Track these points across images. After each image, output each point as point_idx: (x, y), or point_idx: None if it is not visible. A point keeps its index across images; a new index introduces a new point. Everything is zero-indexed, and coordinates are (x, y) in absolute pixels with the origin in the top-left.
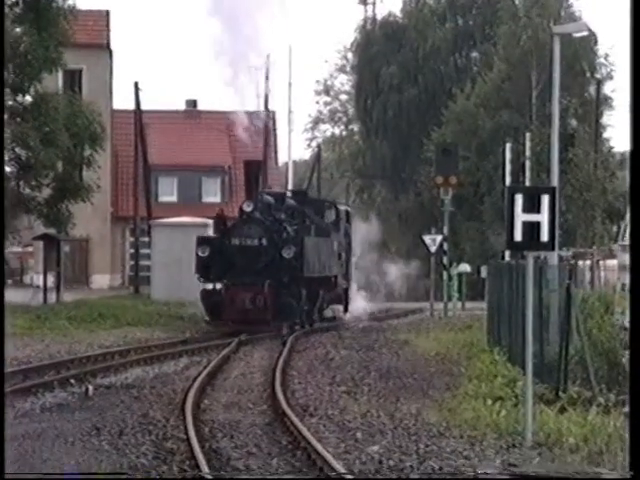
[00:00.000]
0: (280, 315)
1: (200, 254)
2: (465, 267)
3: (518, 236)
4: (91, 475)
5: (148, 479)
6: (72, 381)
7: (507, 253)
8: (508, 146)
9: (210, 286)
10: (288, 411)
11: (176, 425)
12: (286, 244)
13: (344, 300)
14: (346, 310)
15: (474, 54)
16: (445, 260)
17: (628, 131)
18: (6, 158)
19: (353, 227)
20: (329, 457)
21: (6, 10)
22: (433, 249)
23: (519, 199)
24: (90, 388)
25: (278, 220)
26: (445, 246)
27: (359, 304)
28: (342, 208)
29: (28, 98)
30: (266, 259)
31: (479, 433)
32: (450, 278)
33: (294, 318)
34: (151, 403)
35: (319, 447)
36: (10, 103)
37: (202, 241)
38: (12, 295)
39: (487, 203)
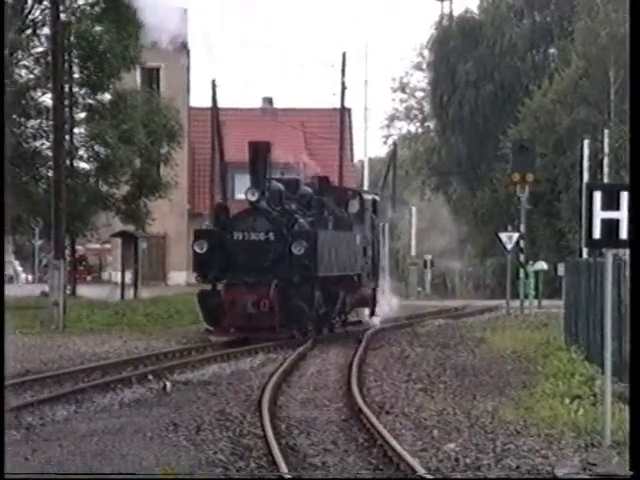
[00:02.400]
0: (289, 320)
1: (197, 250)
2: (542, 265)
3: (597, 234)
4: (95, 475)
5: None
6: (150, 377)
7: (585, 251)
8: (586, 143)
9: (209, 287)
10: (364, 408)
11: (253, 422)
12: (297, 238)
13: (371, 302)
14: (372, 313)
15: (551, 50)
16: (522, 258)
17: None
18: (85, 155)
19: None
20: (406, 454)
21: (87, 9)
22: (509, 247)
23: (598, 196)
24: (168, 384)
25: (289, 211)
26: (522, 244)
27: (387, 306)
28: (368, 197)
29: (107, 96)
30: (273, 256)
31: (557, 432)
32: (527, 276)
33: (305, 324)
34: (228, 400)
35: (396, 444)
36: (89, 101)
37: (200, 235)
38: (90, 291)
39: (564, 200)
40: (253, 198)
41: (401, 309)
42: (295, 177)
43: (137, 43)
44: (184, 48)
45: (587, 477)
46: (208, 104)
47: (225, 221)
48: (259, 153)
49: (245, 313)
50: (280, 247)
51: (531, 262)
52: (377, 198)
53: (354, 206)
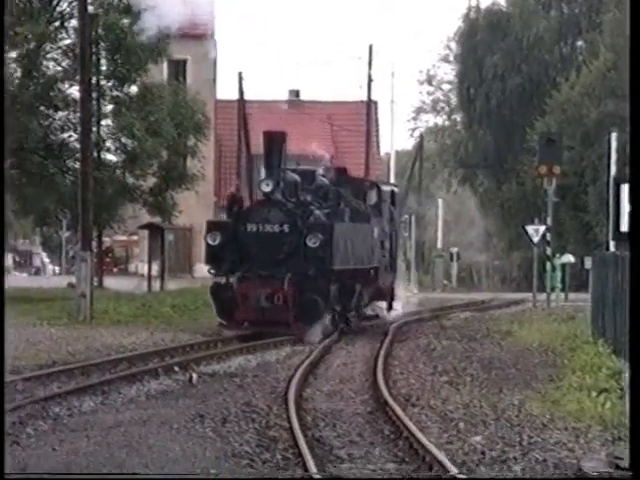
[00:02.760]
0: (303, 315)
1: (210, 242)
2: (569, 258)
3: (624, 226)
4: (96, 475)
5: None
6: (176, 369)
7: (612, 244)
8: (614, 135)
9: (223, 280)
10: (390, 400)
11: (279, 413)
12: (312, 231)
13: (388, 296)
14: (390, 307)
15: (579, 42)
16: (548, 251)
17: None
18: (112, 147)
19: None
20: (432, 447)
21: (114, 1)
22: (536, 240)
23: (625, 189)
24: (194, 376)
25: (304, 202)
26: (548, 237)
27: (403, 299)
28: (386, 188)
29: (134, 88)
30: (288, 248)
31: (583, 425)
32: (553, 269)
33: (320, 318)
34: (254, 391)
35: (421, 437)
36: (116, 94)
37: (212, 227)
38: (117, 283)
39: (591, 193)
40: (267, 189)
41: (427, 301)
42: (311, 168)
43: (164, 36)
44: (212, 40)
45: (587, 477)
46: (235, 96)
47: (239, 212)
48: (274, 143)
49: (258, 307)
50: (295, 239)
51: (558, 255)
52: (396, 189)
53: (372, 198)
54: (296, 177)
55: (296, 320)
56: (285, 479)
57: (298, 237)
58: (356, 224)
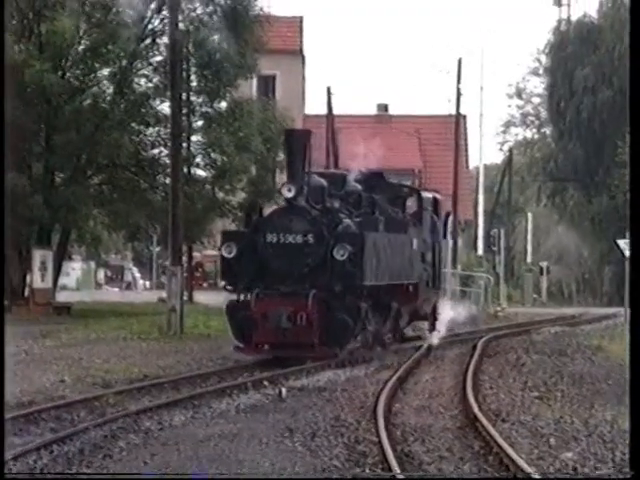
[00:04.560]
0: (330, 337)
1: (225, 254)
2: None
3: None
4: (96, 475)
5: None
6: (265, 383)
7: None
8: None
9: (240, 297)
10: (480, 416)
11: (368, 428)
12: (340, 241)
13: (431, 315)
14: (433, 328)
15: None
16: None
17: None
18: (202, 163)
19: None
20: (522, 463)
21: (205, 18)
22: (628, 253)
23: None
24: (283, 390)
25: (331, 209)
26: None
27: (447, 316)
28: (427, 196)
29: (224, 104)
30: (312, 261)
31: None
32: None
33: (349, 341)
34: (343, 406)
35: (512, 452)
36: (206, 109)
37: (228, 237)
38: (207, 298)
39: None
40: (289, 195)
41: (520, 316)
42: (342, 172)
43: (254, 51)
44: (300, 56)
45: (587, 477)
46: (323, 111)
47: (257, 221)
48: (296, 143)
49: (279, 328)
50: (320, 251)
51: None
52: (438, 196)
53: (411, 205)
54: (323, 181)
55: (322, 343)
56: (289, 479)
57: (324, 248)
58: (392, 234)
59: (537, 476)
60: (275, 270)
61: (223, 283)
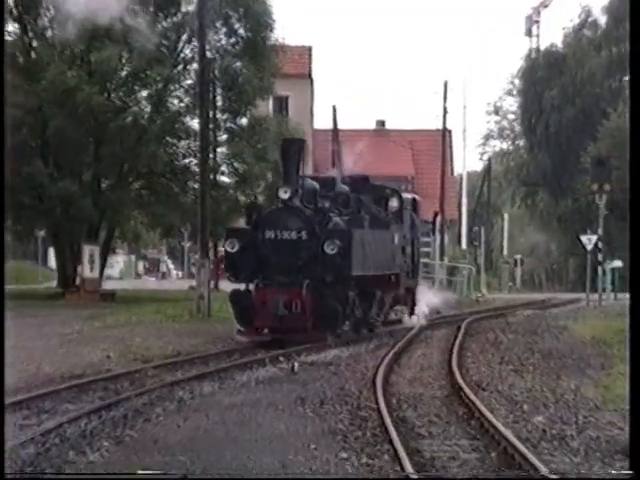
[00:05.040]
0: (322, 322)
1: (228, 249)
2: (617, 263)
3: None
4: (94, 475)
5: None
6: (281, 359)
7: None
8: None
9: (242, 287)
10: (463, 386)
11: (368, 396)
12: (330, 237)
13: (410, 301)
14: (412, 313)
15: (626, 78)
16: (600, 257)
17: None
18: (226, 171)
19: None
20: (499, 425)
21: (229, 48)
22: (589, 247)
23: None
24: (296, 365)
25: (322, 209)
26: (600, 245)
27: (424, 303)
28: (407, 196)
29: (244, 121)
30: (306, 255)
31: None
32: (604, 272)
33: (339, 325)
34: (347, 378)
35: (491, 417)
36: (230, 125)
37: (231, 234)
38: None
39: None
40: (285, 196)
41: (498, 301)
42: (331, 175)
43: (270, 76)
44: (309, 79)
45: (587, 477)
46: (329, 126)
47: (257, 219)
48: (292, 150)
49: (276, 314)
50: (313, 246)
51: (608, 260)
52: (417, 198)
53: (393, 205)
54: (315, 184)
55: (314, 327)
56: (289, 479)
57: (316, 244)
58: (376, 231)
59: (537, 476)
60: (273, 263)
61: (227, 274)
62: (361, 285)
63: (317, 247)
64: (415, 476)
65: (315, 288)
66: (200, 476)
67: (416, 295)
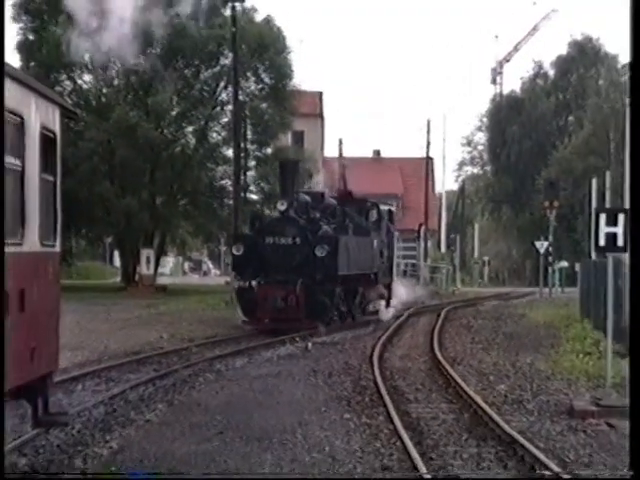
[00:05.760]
0: (313, 314)
1: (235, 252)
2: (564, 263)
3: (602, 242)
4: (92, 475)
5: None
6: (297, 339)
7: (593, 254)
8: (594, 181)
9: (246, 284)
10: (442, 361)
11: (367, 369)
12: (320, 242)
13: (386, 296)
14: (388, 305)
15: (570, 118)
16: (550, 259)
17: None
18: (254, 190)
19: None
20: (471, 392)
21: (256, 92)
22: (542, 251)
23: (602, 217)
24: (309, 344)
25: (314, 219)
26: (550, 249)
27: (400, 297)
28: (384, 208)
29: (269, 150)
30: (299, 257)
31: (574, 377)
32: (553, 271)
33: (327, 316)
34: (350, 355)
35: (464, 385)
36: (257, 154)
37: (237, 239)
38: None
39: (579, 219)
40: (282, 208)
41: (470, 294)
42: (321, 191)
43: (289, 114)
44: (320, 117)
45: (587, 477)
46: (336, 154)
47: (259, 227)
48: (287, 170)
49: (275, 307)
50: (305, 250)
51: (556, 261)
52: (393, 209)
53: (373, 215)
54: (307, 198)
55: (307, 317)
56: (290, 479)
57: (308, 248)
58: (358, 237)
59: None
60: (272, 264)
61: (234, 274)
62: (346, 282)
63: (309, 251)
64: (428, 476)
65: (307, 285)
66: (200, 476)
67: (392, 290)
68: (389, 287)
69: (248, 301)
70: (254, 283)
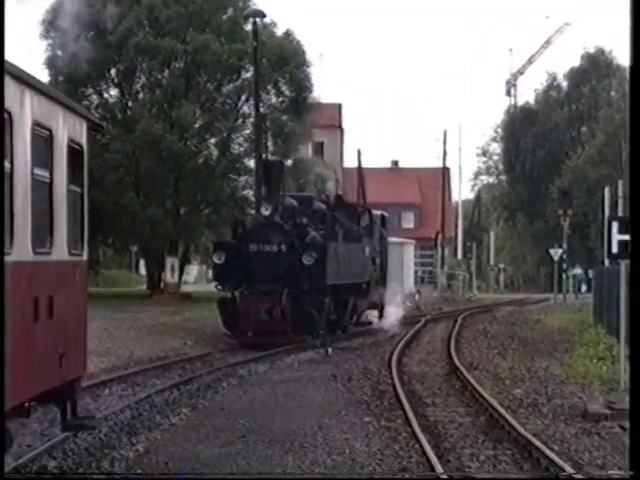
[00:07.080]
0: (300, 326)
1: (216, 260)
2: (578, 270)
3: (614, 249)
4: (94, 475)
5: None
6: (318, 345)
7: (607, 261)
8: (607, 189)
9: (228, 294)
10: (459, 366)
11: (385, 374)
12: (307, 250)
13: (379, 305)
14: (381, 315)
15: (583, 128)
16: (564, 266)
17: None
18: None
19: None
20: (487, 396)
21: (277, 105)
22: (556, 258)
23: (615, 225)
24: (329, 349)
25: (300, 224)
26: (564, 256)
27: (393, 309)
28: (377, 213)
29: (290, 161)
30: (285, 266)
31: (588, 381)
32: (567, 278)
33: (315, 329)
34: (369, 360)
35: (480, 390)
36: None
37: (218, 247)
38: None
39: (593, 227)
40: (266, 212)
41: (486, 300)
42: (309, 195)
43: (309, 126)
44: (340, 129)
45: (587, 477)
46: (355, 164)
47: (241, 233)
48: (272, 171)
49: (259, 320)
50: (292, 258)
51: (570, 268)
52: (385, 214)
53: (364, 221)
54: (294, 202)
55: (293, 331)
56: (291, 479)
57: (295, 256)
58: (349, 244)
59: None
60: (256, 273)
61: (215, 283)
62: (335, 292)
63: (295, 259)
64: (445, 476)
65: (294, 296)
66: (200, 476)
67: (385, 300)
68: (382, 296)
69: (230, 313)
70: (237, 293)
